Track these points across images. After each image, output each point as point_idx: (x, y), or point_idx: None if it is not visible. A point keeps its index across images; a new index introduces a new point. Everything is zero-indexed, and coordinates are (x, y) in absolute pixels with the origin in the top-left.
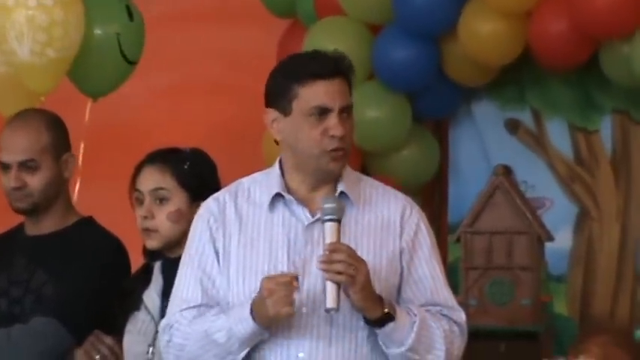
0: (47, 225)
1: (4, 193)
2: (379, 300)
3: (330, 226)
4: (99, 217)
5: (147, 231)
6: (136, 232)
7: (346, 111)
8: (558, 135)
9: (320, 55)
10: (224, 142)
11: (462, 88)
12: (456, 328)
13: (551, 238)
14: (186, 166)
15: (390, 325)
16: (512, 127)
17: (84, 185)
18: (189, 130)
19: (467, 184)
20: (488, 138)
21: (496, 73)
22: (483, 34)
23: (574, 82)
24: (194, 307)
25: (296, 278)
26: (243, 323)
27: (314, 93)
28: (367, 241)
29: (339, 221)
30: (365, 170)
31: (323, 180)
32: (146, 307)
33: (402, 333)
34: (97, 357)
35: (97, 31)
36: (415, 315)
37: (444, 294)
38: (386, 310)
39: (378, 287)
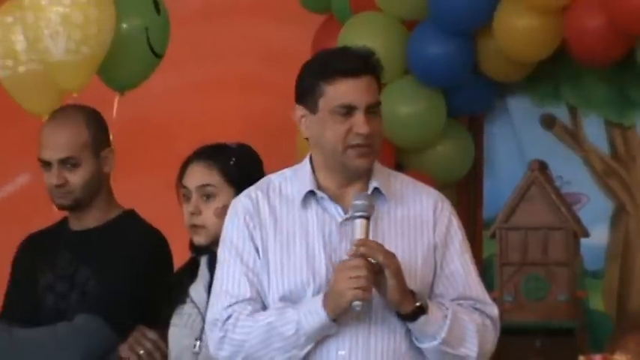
0: (90, 220)
1: (47, 190)
2: (411, 294)
3: (359, 223)
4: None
5: (194, 227)
6: (169, 226)
7: (373, 109)
8: (594, 130)
9: (347, 52)
10: (258, 137)
11: (497, 83)
12: (488, 322)
13: (586, 234)
14: (232, 162)
15: (422, 319)
16: (548, 122)
17: (117, 180)
18: (223, 125)
19: (502, 180)
20: (524, 133)
21: (531, 68)
22: (519, 29)
23: (610, 77)
24: (244, 300)
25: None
26: (313, 315)
27: (340, 91)
28: (401, 237)
29: (368, 218)
30: (399, 166)
31: (352, 177)
32: (193, 301)
33: (434, 326)
34: (142, 352)
35: (126, 26)
36: (447, 309)
37: (477, 288)
38: (418, 304)
39: (413, 283)
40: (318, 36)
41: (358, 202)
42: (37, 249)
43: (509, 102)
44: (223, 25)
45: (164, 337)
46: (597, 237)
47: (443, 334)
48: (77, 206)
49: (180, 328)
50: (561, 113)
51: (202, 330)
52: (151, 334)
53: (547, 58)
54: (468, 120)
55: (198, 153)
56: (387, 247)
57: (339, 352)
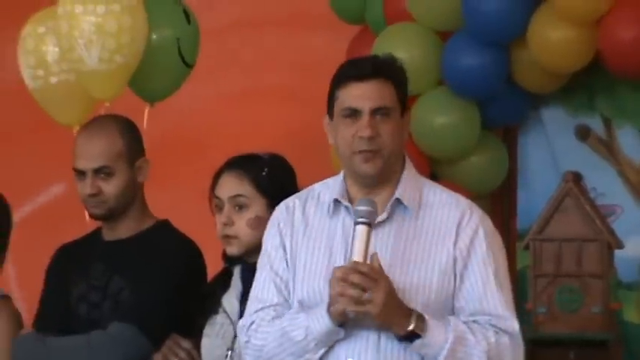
0: (124, 230)
1: (81, 200)
2: (406, 315)
3: (360, 230)
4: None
5: (227, 237)
6: (203, 236)
7: (381, 112)
8: (629, 142)
9: (362, 58)
10: (294, 148)
11: (531, 94)
12: (505, 340)
13: (621, 246)
14: (264, 173)
15: (418, 342)
16: (582, 133)
17: (149, 190)
18: (259, 137)
19: (536, 191)
20: (558, 145)
21: (566, 79)
22: (553, 41)
23: None
24: (269, 306)
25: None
26: (320, 320)
27: (346, 94)
28: (417, 247)
29: (370, 225)
30: (433, 177)
31: (370, 184)
32: (225, 311)
33: (433, 349)
34: None
35: (157, 36)
36: (451, 331)
37: (495, 303)
38: (410, 328)
39: (426, 296)
40: (352, 46)
41: (359, 208)
42: (70, 259)
43: (543, 113)
44: (257, 36)
45: (197, 347)
46: (631, 249)
47: (442, 359)
48: (111, 216)
49: (212, 338)
50: (596, 124)
51: (234, 340)
52: (185, 344)
53: (581, 69)
54: (502, 131)
55: (230, 163)
56: (400, 258)
57: (348, 359)
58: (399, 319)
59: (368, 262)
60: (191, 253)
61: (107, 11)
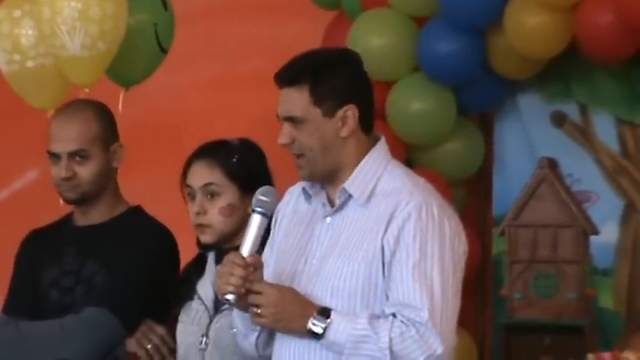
0: (96, 215)
1: (54, 184)
2: (304, 316)
3: (254, 219)
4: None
5: (200, 226)
6: (177, 222)
7: (291, 120)
8: (604, 128)
9: (287, 64)
10: (267, 134)
11: (507, 81)
12: (412, 332)
13: (596, 232)
14: (234, 159)
15: (322, 341)
16: (558, 120)
17: (127, 175)
18: (232, 123)
19: (512, 178)
20: (534, 131)
21: (542, 65)
22: (529, 26)
23: (621, 75)
24: None
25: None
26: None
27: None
28: (354, 236)
29: (266, 215)
30: (409, 163)
31: (319, 181)
32: (200, 298)
33: (335, 348)
34: (149, 346)
35: (134, 21)
36: (352, 329)
37: (408, 292)
38: (308, 327)
39: (354, 286)
40: (328, 32)
41: (258, 197)
42: (40, 245)
43: (519, 99)
44: (232, 22)
45: (172, 333)
46: (607, 235)
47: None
48: (84, 200)
49: (187, 324)
50: (572, 111)
51: (209, 326)
52: (159, 329)
53: (557, 55)
54: (478, 117)
55: (200, 151)
56: (337, 246)
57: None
58: (296, 324)
59: (266, 249)
60: (165, 239)
61: None
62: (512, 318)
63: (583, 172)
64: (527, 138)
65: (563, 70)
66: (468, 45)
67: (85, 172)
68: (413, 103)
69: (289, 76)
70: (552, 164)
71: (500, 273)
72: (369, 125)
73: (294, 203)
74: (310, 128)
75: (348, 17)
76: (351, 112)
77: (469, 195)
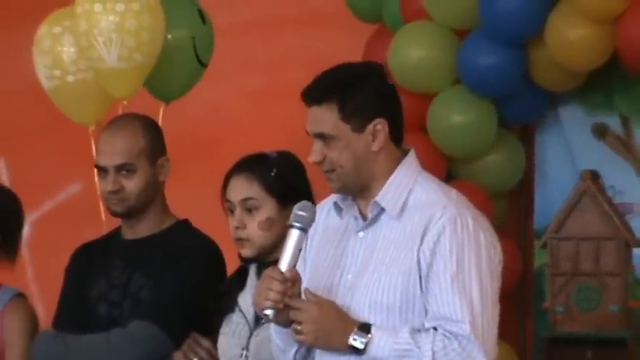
0: (144, 228)
1: (102, 197)
2: (346, 332)
3: (292, 234)
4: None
5: (240, 240)
6: (221, 235)
7: (322, 137)
8: None
9: (312, 82)
10: (307, 146)
11: (548, 93)
12: (454, 344)
13: (639, 244)
14: (273, 173)
15: (364, 357)
16: (600, 132)
17: (168, 188)
18: (273, 135)
19: (553, 190)
20: (575, 143)
21: (583, 78)
22: (571, 39)
23: None
24: None
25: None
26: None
27: None
28: (390, 250)
29: (304, 230)
30: (450, 176)
31: (349, 194)
32: (241, 310)
33: None
34: (195, 359)
35: (172, 36)
36: (394, 344)
37: (449, 306)
38: (349, 343)
39: (389, 298)
40: (369, 45)
41: (297, 212)
42: (89, 259)
43: (561, 111)
44: (273, 35)
45: (215, 346)
46: None
47: None
48: (131, 214)
49: (228, 337)
50: (613, 122)
51: (249, 339)
52: (205, 342)
53: (599, 67)
54: (519, 129)
55: (239, 165)
56: (373, 260)
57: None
58: (336, 340)
59: (299, 269)
60: (211, 252)
61: (126, 10)
62: (554, 331)
63: (625, 184)
64: (569, 150)
65: (604, 82)
66: (509, 57)
67: (132, 185)
68: (454, 115)
69: (316, 94)
70: (594, 176)
71: (542, 285)
72: (400, 137)
73: (324, 218)
74: (341, 144)
75: (389, 30)
76: (380, 125)
77: (510, 207)
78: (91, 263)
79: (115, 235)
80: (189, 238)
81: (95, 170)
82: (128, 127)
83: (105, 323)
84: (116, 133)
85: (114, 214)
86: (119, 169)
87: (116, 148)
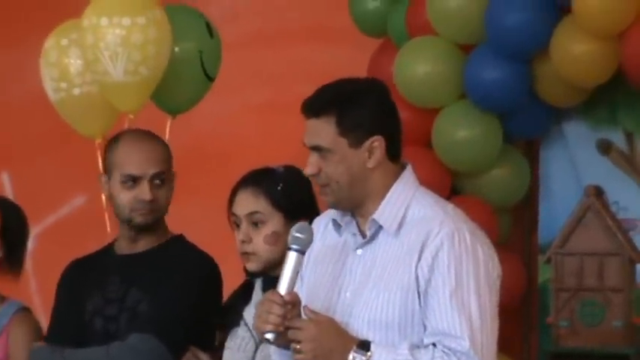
0: (142, 244)
1: (127, 207)
2: (345, 350)
3: (290, 256)
4: (187, 233)
5: (246, 254)
6: (226, 248)
7: (319, 150)
8: None
9: (313, 95)
10: None
11: (553, 108)
12: None
13: None
14: (279, 187)
15: None
16: (604, 147)
17: (174, 202)
18: (280, 149)
19: (557, 205)
20: (580, 158)
21: (588, 93)
22: (576, 54)
23: None
24: None
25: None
26: None
27: None
28: (389, 266)
29: (302, 252)
30: (454, 191)
31: (345, 210)
32: (246, 324)
33: None
34: None
35: (179, 49)
36: (398, 359)
37: (447, 321)
38: (350, 358)
39: (387, 315)
40: (374, 60)
41: (294, 234)
42: (82, 274)
43: (565, 127)
44: (280, 49)
45: None
46: None
47: None
48: (153, 226)
49: (233, 351)
50: (618, 138)
51: (255, 353)
52: (203, 357)
53: (604, 82)
54: (524, 144)
55: (245, 180)
56: (372, 277)
57: None
58: (337, 357)
59: (296, 288)
60: (207, 266)
61: (132, 24)
62: (558, 346)
63: (629, 200)
64: (573, 165)
65: (609, 97)
66: (514, 73)
67: (162, 196)
68: (458, 130)
69: (315, 107)
70: (598, 192)
71: (546, 301)
72: (397, 154)
73: (322, 233)
74: (336, 158)
75: (394, 44)
76: (377, 143)
77: (514, 222)
78: (84, 278)
79: (108, 250)
80: (185, 252)
81: (102, 181)
82: (154, 137)
83: (101, 338)
84: (146, 143)
85: (136, 224)
86: (154, 177)
87: (151, 157)
